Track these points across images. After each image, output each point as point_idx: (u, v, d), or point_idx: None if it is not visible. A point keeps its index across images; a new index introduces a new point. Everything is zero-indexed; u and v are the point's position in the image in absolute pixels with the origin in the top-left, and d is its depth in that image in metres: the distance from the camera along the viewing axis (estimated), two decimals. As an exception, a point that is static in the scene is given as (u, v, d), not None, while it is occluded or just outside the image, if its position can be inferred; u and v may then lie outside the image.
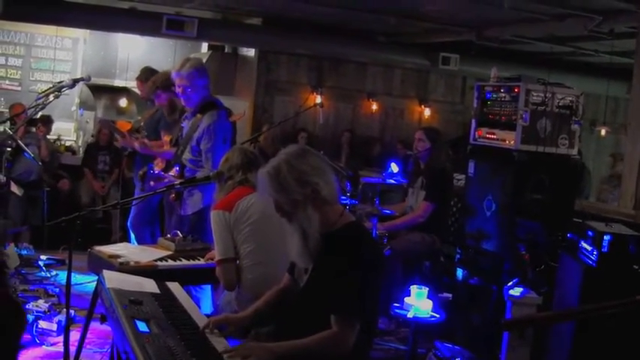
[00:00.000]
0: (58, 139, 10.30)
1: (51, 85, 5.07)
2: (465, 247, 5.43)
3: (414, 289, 4.77)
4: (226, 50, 11.60)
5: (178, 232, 4.71)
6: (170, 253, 4.41)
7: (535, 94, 4.98)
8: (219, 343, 2.86)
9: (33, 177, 7.75)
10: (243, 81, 11.20)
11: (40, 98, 4.97)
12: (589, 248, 4.11)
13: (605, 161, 11.72)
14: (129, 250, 4.40)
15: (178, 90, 5.20)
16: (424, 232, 5.98)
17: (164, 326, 2.84)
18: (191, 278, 4.33)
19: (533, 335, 4.55)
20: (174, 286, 3.52)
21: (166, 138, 5.87)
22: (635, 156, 6.65)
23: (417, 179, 6.17)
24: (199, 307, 3.50)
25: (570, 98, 5.08)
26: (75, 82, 5.09)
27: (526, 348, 4.54)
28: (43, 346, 4.80)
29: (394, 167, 6.36)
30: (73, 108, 11.30)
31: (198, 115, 5.14)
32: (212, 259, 4.22)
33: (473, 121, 5.47)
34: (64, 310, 4.97)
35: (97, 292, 3.43)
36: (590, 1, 7.31)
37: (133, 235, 6.25)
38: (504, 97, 5.15)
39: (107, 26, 9.91)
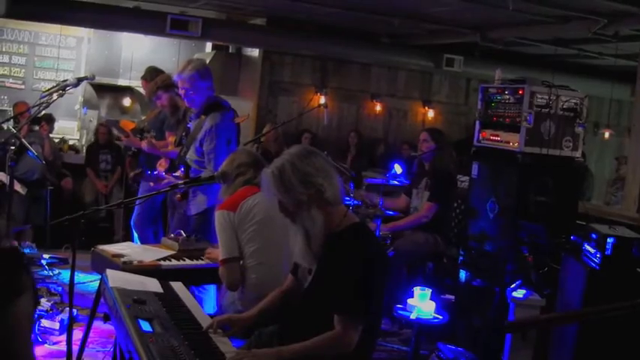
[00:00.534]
0: (62, 140, 10.30)
1: (55, 84, 5.08)
2: (468, 248, 5.43)
3: (416, 290, 4.77)
4: (230, 50, 11.60)
5: (182, 231, 4.71)
6: (174, 252, 4.41)
7: (539, 96, 4.97)
8: (223, 344, 2.87)
9: (36, 176, 7.76)
10: (247, 81, 11.20)
11: (44, 97, 4.98)
12: (592, 251, 4.11)
13: (608, 164, 11.70)
14: (132, 250, 4.40)
15: (181, 92, 5.22)
16: (427, 233, 5.98)
17: (167, 326, 2.85)
18: (195, 278, 4.33)
19: (536, 337, 4.54)
20: (178, 286, 3.52)
21: (171, 138, 5.88)
22: (638, 159, 6.64)
23: (422, 180, 6.18)
24: (202, 307, 3.50)
25: (575, 101, 5.07)
26: (79, 80, 5.09)
27: (529, 350, 4.54)
28: (46, 345, 4.80)
29: (398, 168, 6.35)
30: (77, 107, 11.30)
31: (202, 117, 5.15)
32: (212, 259, 4.23)
33: (477, 122, 5.46)
34: (67, 309, 4.99)
35: (100, 291, 3.44)
36: (594, 4, 7.30)
37: (136, 235, 6.26)
38: (508, 99, 5.15)
39: (111, 25, 9.90)
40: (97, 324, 4.38)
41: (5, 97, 11.02)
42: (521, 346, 4.52)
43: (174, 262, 4.24)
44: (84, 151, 10.17)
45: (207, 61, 9.74)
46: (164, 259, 4.25)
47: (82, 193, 8.99)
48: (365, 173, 9.35)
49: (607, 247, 3.97)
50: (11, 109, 9.21)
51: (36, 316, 4.97)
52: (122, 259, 4.06)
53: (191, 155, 5.16)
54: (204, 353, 2.69)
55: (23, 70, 11.30)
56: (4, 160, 5.75)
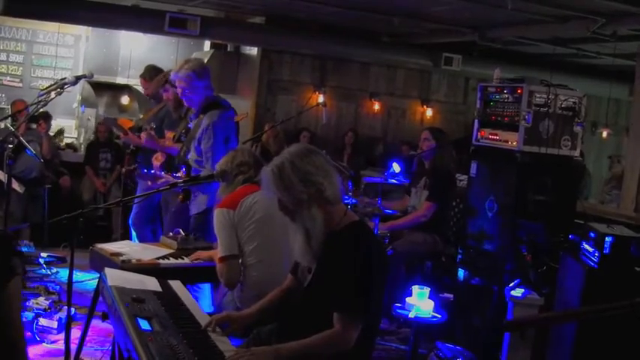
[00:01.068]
0: (60, 131, 10.26)
1: (53, 82, 5.06)
2: (467, 247, 5.43)
3: (415, 289, 4.77)
4: (229, 49, 11.59)
5: (181, 230, 4.70)
6: (172, 251, 4.40)
7: (538, 95, 4.98)
8: (222, 342, 2.86)
9: (34, 174, 7.75)
10: (245, 80, 11.19)
11: (42, 95, 4.97)
12: (591, 249, 4.11)
13: (606, 163, 11.72)
14: (131, 248, 4.39)
15: (178, 92, 5.21)
16: (426, 232, 5.99)
17: (166, 324, 2.84)
18: (193, 277, 4.33)
19: (535, 336, 4.55)
20: (177, 285, 3.52)
21: (169, 134, 5.87)
22: (636, 158, 6.66)
23: (421, 179, 6.18)
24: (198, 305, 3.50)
25: (573, 100, 5.07)
26: (77, 79, 5.08)
27: (527, 349, 4.54)
28: (43, 344, 4.80)
29: (396, 167, 6.36)
30: (75, 105, 11.28)
31: (201, 116, 5.15)
32: (200, 259, 4.21)
33: (476, 121, 5.46)
34: (65, 307, 4.99)
35: (98, 290, 3.43)
36: (593, 3, 7.30)
37: (134, 233, 6.26)
38: (507, 98, 5.15)
39: (109, 23, 9.88)
40: (96, 322, 4.37)
41: (3, 96, 11.00)
42: (519, 345, 4.53)
43: (172, 260, 4.23)
44: (82, 149, 10.16)
45: (206, 60, 9.75)
46: (163, 257, 4.24)
47: (80, 192, 8.99)
48: (364, 172, 9.36)
49: (605, 245, 3.98)
50: (9, 107, 9.19)
51: (34, 314, 4.98)
52: (121, 258, 4.05)
53: (192, 155, 5.16)
54: (203, 352, 2.68)
55: (21, 68, 11.28)
56: (1, 159, 5.74)
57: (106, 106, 10.56)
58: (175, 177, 5.05)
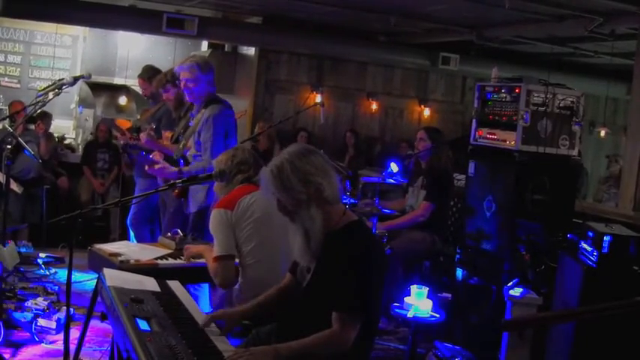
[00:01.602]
0: (61, 140, 10.28)
1: (51, 83, 5.06)
2: (465, 247, 5.44)
3: (413, 288, 4.77)
4: (226, 49, 11.59)
5: (179, 230, 4.70)
6: (171, 251, 4.40)
7: (536, 94, 4.98)
8: (221, 342, 2.86)
9: (32, 174, 7.74)
10: (243, 80, 11.19)
11: (40, 96, 4.97)
12: (589, 249, 4.11)
13: (604, 162, 11.73)
14: (129, 249, 4.39)
15: (181, 85, 5.23)
16: (424, 231, 5.99)
17: (165, 325, 2.84)
18: (192, 277, 4.32)
19: (533, 336, 4.55)
20: (175, 285, 3.51)
21: (167, 134, 5.87)
22: (634, 157, 6.65)
23: (418, 179, 6.18)
24: (198, 305, 3.50)
25: (571, 99, 5.08)
26: (75, 79, 5.09)
27: (526, 348, 4.54)
28: (42, 344, 4.79)
29: (394, 167, 6.37)
30: (73, 106, 11.28)
31: (202, 110, 5.16)
32: (191, 254, 4.20)
33: (473, 121, 5.47)
34: (64, 308, 4.99)
35: (97, 290, 3.42)
36: (590, 2, 7.31)
37: (132, 234, 6.25)
38: (505, 97, 5.15)
39: (107, 24, 9.88)
40: (94, 323, 4.38)
41: (1, 97, 11.01)
42: (518, 345, 4.53)
43: (171, 261, 4.23)
44: (80, 149, 10.16)
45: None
46: (161, 257, 4.24)
47: (78, 192, 8.98)
48: (362, 172, 9.36)
49: (604, 245, 3.97)
50: (7, 108, 9.19)
51: (32, 315, 4.97)
52: (119, 258, 4.05)
53: (191, 151, 5.18)
54: (202, 352, 2.68)
55: (19, 69, 11.28)
56: (0, 159, 5.73)
57: (104, 107, 10.56)
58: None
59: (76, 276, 6.22)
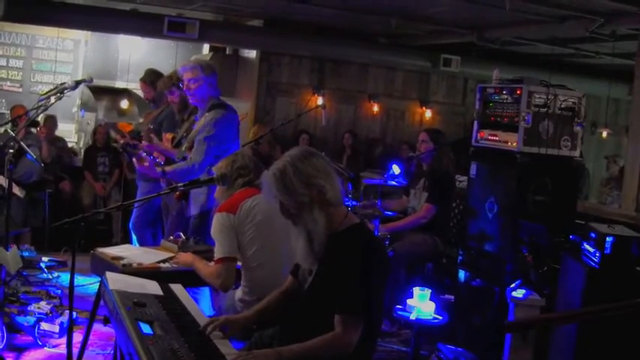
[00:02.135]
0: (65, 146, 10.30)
1: (52, 87, 5.07)
2: (468, 248, 5.43)
3: (416, 290, 4.77)
4: (227, 52, 11.60)
5: (181, 233, 4.70)
6: (173, 255, 4.40)
7: (537, 95, 4.97)
8: (224, 345, 2.86)
9: (34, 178, 7.74)
10: (244, 82, 11.21)
11: (42, 100, 4.98)
12: (592, 250, 4.11)
13: (604, 163, 11.73)
14: (132, 252, 4.39)
15: (184, 85, 5.25)
16: (426, 233, 5.98)
17: (168, 328, 2.84)
18: (194, 280, 4.32)
19: (536, 337, 4.54)
20: (178, 288, 3.51)
21: (168, 136, 5.86)
22: (636, 158, 6.65)
23: (419, 180, 6.17)
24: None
25: (573, 100, 5.07)
26: (77, 83, 5.09)
27: (529, 350, 4.53)
28: (45, 348, 4.80)
29: (395, 169, 6.36)
30: (74, 109, 11.31)
31: (206, 114, 5.17)
32: (182, 263, 4.18)
33: (475, 122, 5.46)
34: (67, 311, 4.99)
35: (99, 294, 3.43)
36: (591, 3, 7.31)
37: (134, 237, 6.25)
38: (507, 98, 5.15)
39: (108, 28, 9.91)
40: (97, 326, 4.38)
41: (3, 101, 11.04)
42: (521, 346, 4.52)
43: (173, 264, 4.23)
44: (82, 153, 10.17)
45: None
46: (164, 261, 4.24)
47: (80, 196, 8.99)
48: (363, 174, 9.36)
49: (606, 246, 3.97)
50: (9, 112, 9.20)
51: (35, 319, 4.98)
52: (122, 262, 4.05)
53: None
54: (204, 355, 2.68)
55: (21, 73, 11.31)
56: (2, 163, 5.74)
57: (106, 110, 10.59)
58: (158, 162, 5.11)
59: (79, 280, 6.21)
